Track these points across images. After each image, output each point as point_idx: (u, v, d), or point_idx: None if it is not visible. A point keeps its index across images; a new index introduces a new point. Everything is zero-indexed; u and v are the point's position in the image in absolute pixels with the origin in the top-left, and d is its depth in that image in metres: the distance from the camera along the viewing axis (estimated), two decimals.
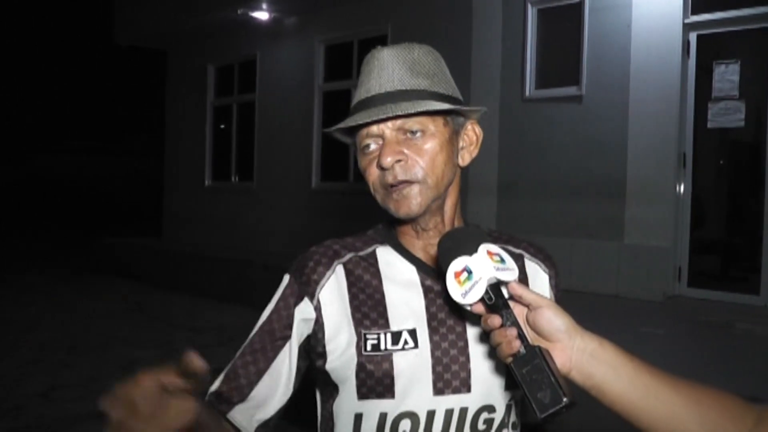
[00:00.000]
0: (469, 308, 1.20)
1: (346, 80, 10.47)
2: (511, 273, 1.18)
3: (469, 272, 1.17)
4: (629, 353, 1.16)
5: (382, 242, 1.48)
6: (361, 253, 1.46)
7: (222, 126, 13.46)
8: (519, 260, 1.50)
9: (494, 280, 1.17)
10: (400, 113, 1.33)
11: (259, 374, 1.39)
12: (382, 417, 1.34)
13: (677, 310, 6.72)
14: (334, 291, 1.40)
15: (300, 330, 1.39)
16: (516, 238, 1.55)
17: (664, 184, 7.13)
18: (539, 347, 1.12)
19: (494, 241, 1.51)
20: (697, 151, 7.16)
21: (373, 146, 1.39)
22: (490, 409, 1.38)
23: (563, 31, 7.99)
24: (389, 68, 1.39)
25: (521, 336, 1.13)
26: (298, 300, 1.40)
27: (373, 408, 1.35)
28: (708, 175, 7.35)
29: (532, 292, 1.19)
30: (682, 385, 1.13)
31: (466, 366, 1.37)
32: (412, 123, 1.37)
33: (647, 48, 7.19)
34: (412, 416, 1.34)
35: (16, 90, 32.40)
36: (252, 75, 12.38)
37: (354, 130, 1.42)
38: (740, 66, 6.77)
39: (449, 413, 1.35)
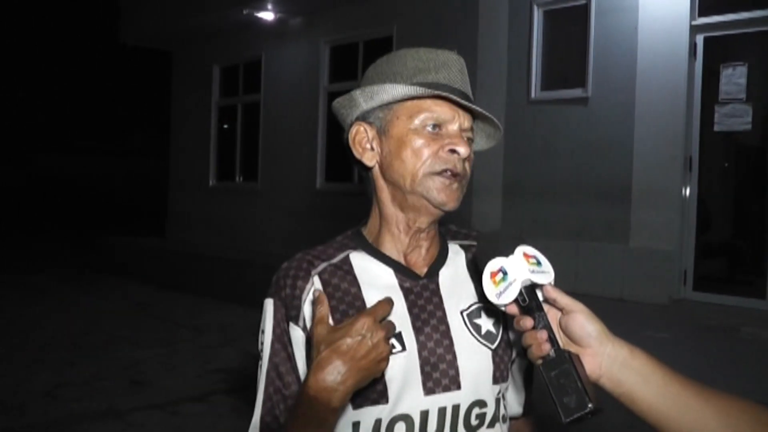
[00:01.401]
0: (503, 309, 1.22)
1: (351, 81, 10.45)
2: (546, 276, 1.20)
3: (505, 273, 1.20)
4: (660, 362, 1.16)
5: (355, 247, 1.47)
6: (335, 261, 1.44)
7: (226, 126, 13.47)
8: None
9: (528, 282, 1.19)
10: (495, 120, 1.42)
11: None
12: (377, 423, 1.34)
13: (682, 313, 6.70)
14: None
15: (300, 353, 1.38)
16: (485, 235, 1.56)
17: (669, 187, 7.11)
18: (569, 352, 1.13)
19: (464, 238, 1.54)
20: (703, 154, 7.14)
21: (434, 128, 1.38)
22: (482, 404, 1.39)
23: (569, 33, 7.98)
24: (466, 75, 1.43)
25: (552, 339, 1.15)
26: (289, 323, 1.39)
27: (368, 415, 1.34)
28: (714, 178, 7.34)
29: (566, 296, 1.19)
30: (711, 395, 1.13)
31: (454, 363, 1.38)
32: (471, 133, 1.42)
33: (654, 50, 7.17)
34: (406, 419, 1.34)
35: (21, 90, 32.47)
36: (257, 75, 12.39)
37: (408, 101, 1.39)
38: (747, 69, 6.75)
39: (442, 412, 1.36)
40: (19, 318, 8.91)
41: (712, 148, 7.21)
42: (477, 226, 8.19)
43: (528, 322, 1.17)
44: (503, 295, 1.19)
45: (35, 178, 27.65)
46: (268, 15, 11.43)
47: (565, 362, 1.11)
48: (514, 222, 8.17)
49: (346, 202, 10.10)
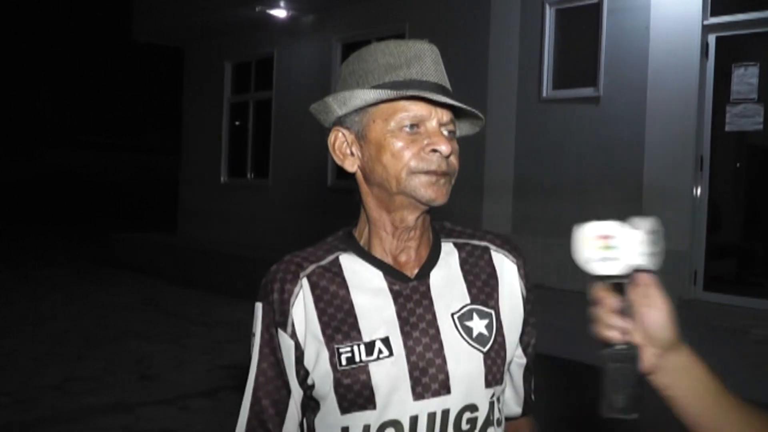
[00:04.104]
0: (592, 277, 1.10)
1: None
2: (653, 260, 1.08)
3: (614, 245, 1.08)
4: (715, 376, 1.15)
5: (345, 249, 1.45)
6: (324, 263, 1.42)
7: (238, 123, 13.49)
8: (486, 253, 1.50)
9: (636, 265, 1.08)
10: (475, 111, 1.37)
11: (281, 419, 1.40)
12: (366, 428, 1.34)
13: (693, 314, 6.68)
14: (302, 307, 1.37)
15: (289, 359, 1.38)
16: (480, 232, 1.54)
17: (680, 187, 7.09)
18: (638, 352, 1.08)
19: (458, 236, 1.51)
20: (715, 154, 7.12)
21: (412, 128, 1.34)
22: (473, 408, 1.37)
23: (581, 32, 7.96)
24: (440, 65, 1.39)
25: (629, 333, 1.08)
26: (277, 329, 1.38)
27: (356, 421, 1.34)
28: (725, 178, 7.31)
29: (657, 289, 1.11)
30: (755, 417, 1.13)
31: (443, 368, 1.36)
32: (452, 126, 1.39)
33: (665, 50, 7.14)
34: (396, 424, 1.33)
35: (34, 85, 32.62)
36: (269, 72, 12.41)
37: (383, 103, 1.36)
38: (759, 69, 6.72)
39: (432, 417, 1.34)
40: (29, 311, 8.96)
41: (724, 148, 7.19)
42: (487, 224, 8.19)
43: (612, 302, 1.08)
44: (602, 264, 1.07)
45: (47, 173, 27.75)
46: (280, 12, 11.45)
47: (631, 362, 1.06)
48: (524, 221, 8.16)
49: (357, 200, 10.09)
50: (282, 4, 11.20)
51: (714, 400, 1.13)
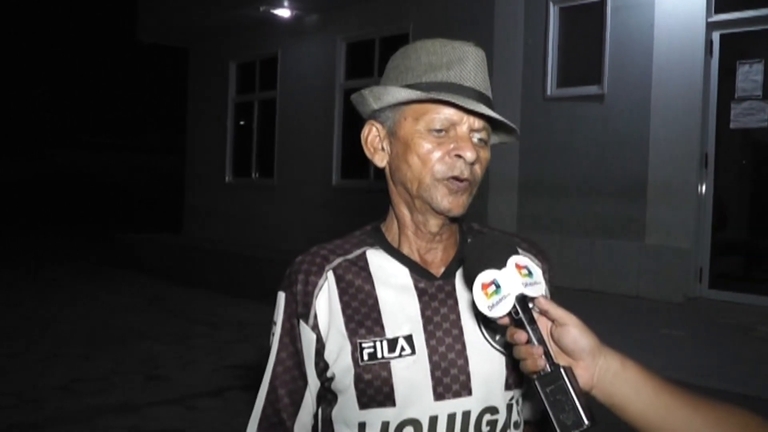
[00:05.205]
0: (495, 320, 1.19)
1: (368, 78, 10.46)
2: (538, 288, 1.18)
3: (498, 286, 1.17)
4: (651, 372, 1.17)
5: (372, 244, 1.45)
6: (350, 257, 1.42)
7: (242, 123, 13.51)
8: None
9: (521, 296, 1.17)
10: (506, 121, 1.34)
11: (296, 409, 1.42)
12: (385, 425, 1.33)
13: (698, 311, 6.67)
14: (327, 300, 1.38)
15: (308, 351, 1.39)
16: (507, 235, 1.53)
17: (685, 184, 7.08)
18: (564, 368, 1.12)
19: (475, 237, 1.49)
20: (720, 151, 7.11)
21: (440, 131, 1.34)
22: (493, 410, 1.37)
23: (585, 30, 7.95)
24: (482, 70, 1.38)
25: (547, 354, 1.13)
26: (299, 320, 1.39)
27: (375, 417, 1.34)
28: (730, 175, 7.29)
29: (558, 307, 1.18)
30: (701, 405, 1.14)
31: (465, 369, 1.35)
32: (485, 133, 1.38)
33: (670, 47, 7.14)
34: (415, 423, 1.33)
35: (39, 86, 32.67)
36: (273, 72, 12.42)
37: (415, 102, 1.36)
38: (764, 66, 6.71)
39: (452, 418, 1.34)
40: (35, 312, 8.97)
41: (729, 145, 7.17)
42: (492, 223, 8.19)
43: (522, 336, 1.15)
44: (496, 308, 1.16)
45: (48, 173, 27.81)
46: (284, 12, 11.46)
47: (560, 378, 1.10)
48: (530, 219, 8.16)
49: (362, 199, 10.11)
50: (286, 3, 11.21)
51: (654, 394, 1.14)
